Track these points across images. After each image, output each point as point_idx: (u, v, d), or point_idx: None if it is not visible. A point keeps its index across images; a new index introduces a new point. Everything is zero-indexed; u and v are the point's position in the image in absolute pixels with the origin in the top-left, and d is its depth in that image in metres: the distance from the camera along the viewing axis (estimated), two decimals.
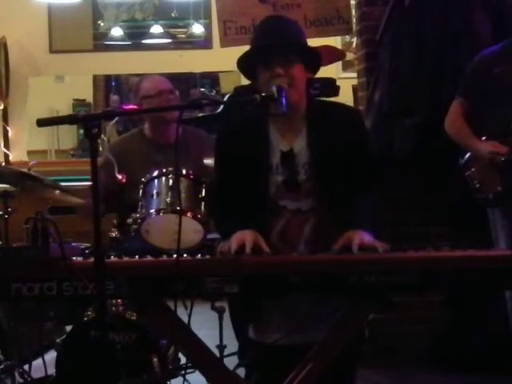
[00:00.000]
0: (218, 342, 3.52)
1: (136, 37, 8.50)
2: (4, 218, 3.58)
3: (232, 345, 3.64)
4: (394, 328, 4.59)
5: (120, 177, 3.64)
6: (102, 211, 3.51)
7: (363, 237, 2.73)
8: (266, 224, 2.90)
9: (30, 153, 7.94)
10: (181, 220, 2.62)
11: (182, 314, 2.81)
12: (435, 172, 4.48)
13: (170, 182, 3.18)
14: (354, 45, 5.72)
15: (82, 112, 7.89)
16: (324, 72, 3.53)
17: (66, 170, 7.01)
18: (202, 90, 8.64)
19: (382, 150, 4.39)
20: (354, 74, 5.31)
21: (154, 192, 3.20)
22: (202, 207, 3.17)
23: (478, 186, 3.91)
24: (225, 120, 3.64)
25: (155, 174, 3.26)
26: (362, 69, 4.91)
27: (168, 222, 3.09)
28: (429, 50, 4.40)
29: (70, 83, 8.46)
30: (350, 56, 6.80)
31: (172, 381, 3.61)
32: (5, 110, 7.85)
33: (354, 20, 4.92)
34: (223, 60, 6.22)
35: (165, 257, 2.72)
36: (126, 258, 2.72)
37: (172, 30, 8.54)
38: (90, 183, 2.39)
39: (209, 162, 3.32)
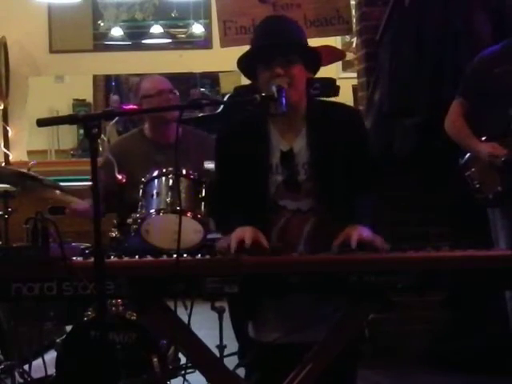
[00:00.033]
0: (218, 342, 3.53)
1: (136, 37, 8.50)
2: (4, 218, 3.59)
3: (232, 345, 3.64)
4: (394, 328, 4.59)
5: (120, 177, 3.64)
6: (101, 211, 3.52)
7: (362, 232, 2.73)
8: (266, 224, 2.90)
9: (29, 153, 7.94)
10: (181, 220, 2.62)
11: (182, 314, 2.81)
12: (435, 172, 4.48)
13: (170, 181, 3.18)
14: (354, 45, 5.72)
15: (82, 112, 7.89)
16: (324, 72, 3.53)
17: (66, 170, 7.01)
18: (202, 90, 8.64)
19: (382, 149, 4.39)
20: (354, 74, 5.31)
21: (154, 192, 3.20)
22: (202, 207, 3.17)
23: (478, 186, 3.91)
24: (225, 120, 3.64)
25: (155, 174, 3.26)
26: (362, 69, 4.91)
27: (168, 222, 3.09)
28: (429, 50, 4.40)
29: (69, 83, 8.46)
30: (350, 56, 6.79)
31: (172, 381, 3.61)
32: (5, 110, 7.85)
33: (354, 20, 4.92)
34: (223, 60, 6.21)
35: (165, 257, 2.72)
36: (126, 258, 2.72)
37: (172, 30, 8.54)
38: (90, 183, 2.39)
39: (209, 165, 3.32)
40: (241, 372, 3.30)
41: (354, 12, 4.93)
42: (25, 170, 3.40)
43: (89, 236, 2.42)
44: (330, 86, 5.12)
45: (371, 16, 4.73)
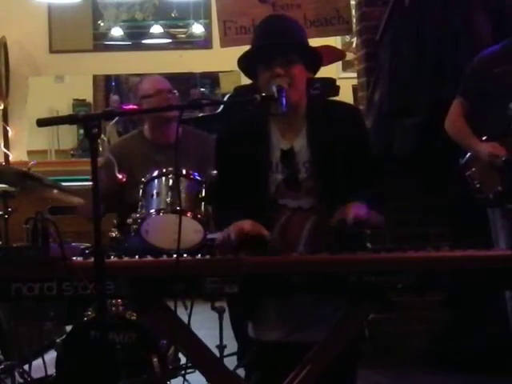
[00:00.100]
0: (218, 342, 3.52)
1: (136, 37, 8.50)
2: (4, 218, 3.58)
3: (232, 345, 3.64)
4: (394, 328, 4.59)
5: (120, 176, 3.64)
6: (102, 211, 3.52)
7: (358, 209, 2.73)
8: (267, 222, 2.90)
9: (30, 153, 7.94)
10: (181, 220, 2.61)
11: (182, 314, 2.81)
12: (435, 172, 4.48)
13: (170, 181, 3.17)
14: (354, 45, 5.72)
15: (82, 112, 7.89)
16: (324, 72, 3.53)
17: (66, 170, 7.01)
18: (202, 90, 8.64)
19: (382, 149, 4.39)
20: (354, 74, 5.31)
21: (154, 192, 3.20)
22: (202, 207, 3.17)
23: (478, 185, 3.91)
24: (225, 120, 3.64)
25: (155, 174, 3.25)
26: (362, 69, 4.91)
27: (168, 222, 3.09)
28: (429, 50, 4.40)
29: (69, 83, 8.46)
30: (350, 56, 6.79)
31: (172, 381, 3.61)
32: (5, 110, 7.84)
33: (354, 20, 4.92)
34: (223, 60, 6.22)
35: (165, 257, 2.72)
36: (126, 258, 2.72)
37: (172, 30, 8.54)
38: (90, 183, 2.39)
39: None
40: (241, 372, 3.30)
41: (354, 12, 4.93)
42: (25, 170, 3.40)
43: (89, 236, 2.42)
44: (330, 86, 5.13)
45: (371, 16, 4.73)
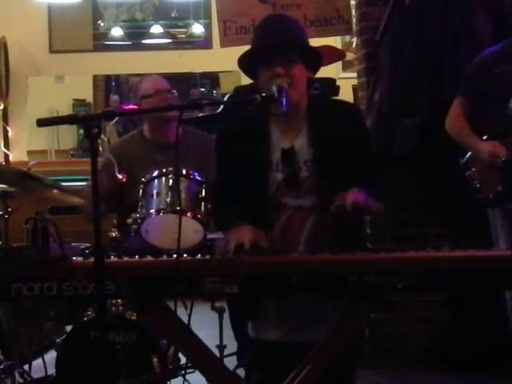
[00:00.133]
0: (218, 342, 3.52)
1: (136, 37, 8.50)
2: (4, 218, 3.58)
3: (232, 345, 3.64)
4: (394, 328, 4.59)
5: (120, 176, 3.64)
6: (104, 212, 3.53)
7: (357, 195, 2.73)
8: (268, 221, 2.90)
9: (30, 153, 7.94)
10: (181, 220, 2.61)
11: (182, 314, 2.81)
12: (435, 172, 4.48)
13: (170, 181, 3.18)
14: (354, 45, 5.72)
15: (82, 112, 7.89)
16: (324, 72, 3.53)
17: (66, 170, 7.00)
18: (202, 90, 8.64)
19: (382, 149, 4.39)
20: (354, 74, 5.31)
21: (154, 192, 3.20)
22: (202, 207, 3.17)
23: (478, 185, 3.91)
24: (225, 120, 3.64)
25: (155, 174, 3.26)
26: (362, 69, 4.91)
27: (168, 222, 3.09)
28: (429, 50, 4.40)
29: (70, 83, 8.46)
30: (350, 56, 6.79)
31: (172, 381, 3.61)
32: (5, 110, 7.84)
33: (354, 20, 4.92)
34: (223, 60, 6.22)
35: (165, 257, 2.72)
36: (126, 258, 2.72)
37: (172, 30, 8.54)
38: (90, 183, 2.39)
39: None
40: (241, 372, 3.30)
41: (354, 12, 4.93)
42: (25, 170, 3.40)
43: (89, 236, 2.42)
44: (330, 86, 5.13)
45: (371, 16, 4.73)
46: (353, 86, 6.46)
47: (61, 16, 7.96)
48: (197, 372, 3.03)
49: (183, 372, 3.55)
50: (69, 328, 3.72)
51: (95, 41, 8.42)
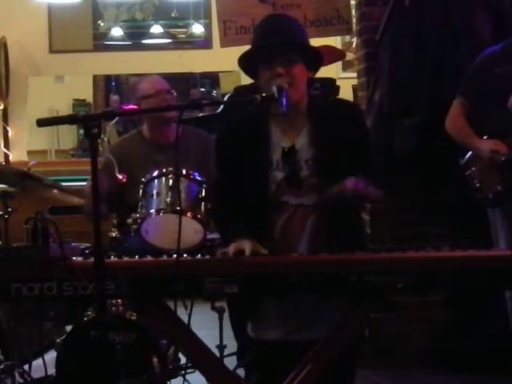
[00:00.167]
0: (218, 342, 3.53)
1: (136, 37, 8.50)
2: (4, 218, 3.59)
3: (232, 345, 3.64)
4: (394, 328, 4.59)
5: (120, 176, 3.64)
6: (105, 212, 3.53)
7: (356, 183, 2.73)
8: (268, 220, 2.90)
9: (30, 153, 7.94)
10: (181, 220, 2.61)
11: (182, 314, 2.81)
12: (435, 172, 4.48)
13: (170, 181, 3.18)
14: (354, 45, 5.72)
15: (82, 112, 7.89)
16: (324, 72, 3.53)
17: (66, 170, 7.00)
18: (202, 90, 8.64)
19: (382, 149, 4.39)
20: (354, 74, 5.31)
21: (154, 192, 3.21)
22: (202, 207, 3.18)
23: (478, 185, 3.91)
24: (225, 120, 3.64)
25: (155, 174, 3.26)
26: (362, 69, 4.91)
27: (168, 222, 3.10)
28: (429, 50, 4.40)
29: (70, 83, 8.46)
30: (350, 56, 6.79)
31: (172, 381, 3.61)
32: (5, 110, 7.84)
33: (354, 20, 4.92)
34: (223, 60, 6.22)
35: (165, 257, 2.72)
36: (126, 258, 2.72)
37: (172, 30, 8.54)
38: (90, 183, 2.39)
39: None
40: (241, 372, 3.30)
41: (354, 12, 4.93)
42: (25, 170, 3.40)
43: (89, 236, 2.42)
44: (330, 86, 5.13)
45: (371, 16, 4.73)
46: (353, 85, 6.47)
47: (61, 16, 7.95)
48: (197, 372, 3.03)
49: (183, 372, 3.55)
50: (69, 328, 3.72)
51: (95, 41, 8.42)
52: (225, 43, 4.84)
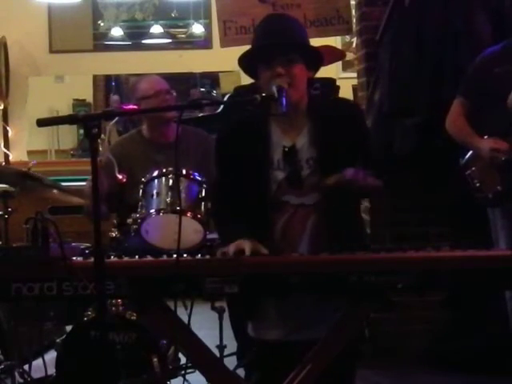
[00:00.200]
0: (217, 342, 3.53)
1: (136, 37, 8.49)
2: (4, 218, 3.59)
3: (232, 345, 3.64)
4: (394, 328, 4.59)
5: (120, 176, 3.64)
6: (105, 212, 3.53)
7: (355, 172, 2.73)
8: (269, 220, 2.90)
9: (29, 153, 7.93)
10: (181, 220, 2.61)
11: (182, 314, 2.81)
12: (435, 172, 4.48)
13: (170, 181, 3.18)
14: (354, 45, 5.72)
15: (81, 112, 7.88)
16: (324, 72, 3.53)
17: (66, 170, 7.00)
18: (202, 90, 8.63)
19: (382, 149, 4.39)
20: (354, 74, 5.31)
21: (154, 192, 3.20)
22: (202, 207, 3.17)
23: (478, 185, 3.91)
24: (225, 120, 3.64)
25: (155, 173, 3.26)
26: (362, 69, 4.91)
27: (168, 222, 3.10)
28: (429, 50, 4.40)
29: (70, 83, 8.45)
30: (350, 56, 6.79)
31: (172, 381, 3.61)
32: (5, 110, 7.84)
33: (354, 20, 4.92)
34: (223, 60, 6.22)
35: (165, 257, 2.72)
36: (126, 258, 2.72)
37: (172, 30, 8.53)
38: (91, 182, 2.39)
39: None
40: (241, 372, 3.30)
41: (354, 12, 4.93)
42: (25, 170, 3.40)
43: (89, 236, 2.42)
44: (330, 86, 5.13)
45: (371, 16, 4.73)
46: (353, 85, 6.47)
47: (61, 16, 7.95)
48: (197, 372, 3.03)
49: (183, 372, 3.55)
50: (69, 328, 3.72)
51: (95, 41, 8.42)
52: (225, 43, 4.84)
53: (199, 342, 2.78)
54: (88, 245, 3.50)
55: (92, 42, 8.40)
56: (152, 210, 3.17)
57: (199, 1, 8.24)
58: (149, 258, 2.72)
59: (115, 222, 3.78)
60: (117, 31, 8.42)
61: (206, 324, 3.85)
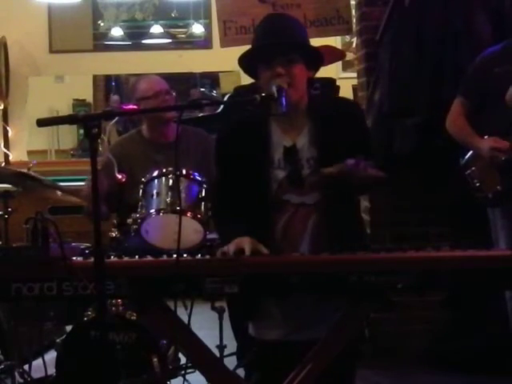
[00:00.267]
0: (217, 342, 3.53)
1: (136, 37, 8.50)
2: (4, 218, 3.59)
3: (232, 345, 3.65)
4: (394, 328, 4.59)
5: (120, 176, 3.64)
6: (105, 212, 3.53)
7: (357, 162, 2.72)
8: (270, 220, 2.90)
9: (30, 153, 7.93)
10: (181, 220, 2.61)
11: (182, 314, 2.81)
12: (435, 172, 4.48)
13: (170, 181, 3.18)
14: (354, 45, 5.72)
15: (81, 112, 7.88)
16: (324, 72, 3.53)
17: (66, 170, 7.00)
18: (202, 90, 8.63)
19: (382, 149, 4.39)
20: (354, 74, 5.31)
21: (154, 192, 3.21)
22: (202, 207, 3.17)
23: (477, 184, 3.91)
24: (225, 120, 3.64)
25: (155, 173, 3.26)
26: (362, 69, 4.91)
27: (168, 222, 3.10)
28: (429, 50, 4.40)
29: (70, 83, 8.45)
30: (350, 56, 6.80)
31: (172, 381, 3.61)
32: (5, 110, 7.84)
33: (354, 20, 4.92)
34: (223, 60, 6.23)
35: (165, 257, 2.72)
36: (126, 258, 2.72)
37: (172, 30, 8.54)
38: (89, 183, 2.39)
39: None
40: (241, 372, 3.31)
41: (354, 12, 4.93)
42: (25, 170, 3.40)
43: (89, 236, 2.42)
44: (330, 86, 5.13)
45: (371, 16, 4.73)
46: (353, 85, 6.47)
47: (61, 16, 7.95)
48: (197, 372, 3.03)
49: (183, 372, 3.55)
50: (69, 328, 3.72)
51: (95, 41, 8.42)
52: (225, 43, 4.84)
53: (199, 342, 2.78)
54: (88, 245, 3.50)
55: (92, 42, 8.40)
56: (152, 210, 3.17)
57: (199, 1, 8.24)
58: (149, 257, 2.72)
59: (115, 222, 3.79)
60: (117, 31, 8.42)
61: (206, 324, 3.85)
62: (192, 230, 3.11)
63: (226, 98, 6.57)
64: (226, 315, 3.62)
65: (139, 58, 8.13)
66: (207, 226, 3.16)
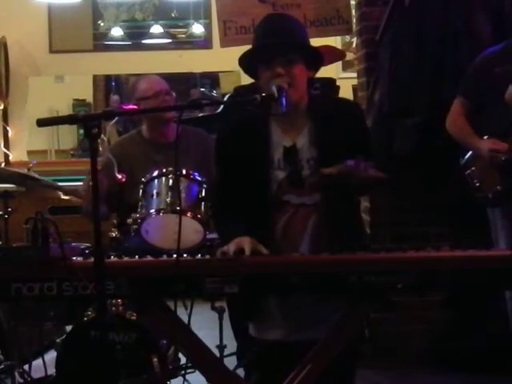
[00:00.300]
0: (218, 342, 3.53)
1: (136, 37, 8.49)
2: (4, 218, 3.59)
3: (232, 345, 3.65)
4: (394, 328, 4.59)
5: (120, 176, 3.64)
6: (105, 212, 3.53)
7: (357, 162, 2.72)
8: (270, 220, 2.90)
9: (29, 153, 7.93)
10: (181, 220, 2.61)
11: (182, 314, 2.81)
12: (435, 172, 4.48)
13: (170, 181, 3.18)
14: (354, 45, 5.72)
15: (81, 112, 7.88)
16: (324, 72, 3.53)
17: (66, 170, 7.00)
18: (202, 90, 8.63)
19: (382, 149, 4.39)
20: (354, 74, 5.31)
21: (154, 192, 3.20)
22: (202, 207, 3.17)
23: (477, 184, 3.91)
24: (225, 120, 3.64)
25: (155, 173, 3.26)
26: (362, 69, 4.91)
27: (168, 222, 3.10)
28: (429, 50, 4.40)
29: (70, 83, 8.45)
30: (350, 56, 6.79)
31: (172, 381, 3.61)
32: (5, 110, 7.84)
33: (354, 20, 4.92)
34: (223, 60, 6.23)
35: (165, 257, 2.72)
36: (126, 258, 2.72)
37: (172, 30, 8.53)
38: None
39: None
40: (241, 372, 3.31)
41: (354, 12, 4.93)
42: (25, 171, 3.41)
43: (89, 236, 2.42)
44: (330, 86, 5.13)
45: (371, 16, 4.73)
46: (353, 85, 6.47)
47: (61, 16, 7.95)
48: (197, 372, 3.03)
49: (183, 372, 3.55)
50: (69, 328, 3.72)
51: (95, 41, 8.42)
52: (225, 43, 4.84)
53: (199, 342, 2.78)
54: (88, 245, 3.50)
55: (92, 42, 8.40)
56: (152, 210, 3.17)
57: (199, 1, 8.24)
58: (149, 257, 2.72)
59: (115, 222, 3.78)
60: (117, 31, 8.42)
61: (206, 324, 3.85)
62: (192, 230, 3.11)
63: (226, 98, 6.56)
64: (226, 315, 3.62)
65: (139, 58, 8.13)
66: (207, 226, 3.16)
